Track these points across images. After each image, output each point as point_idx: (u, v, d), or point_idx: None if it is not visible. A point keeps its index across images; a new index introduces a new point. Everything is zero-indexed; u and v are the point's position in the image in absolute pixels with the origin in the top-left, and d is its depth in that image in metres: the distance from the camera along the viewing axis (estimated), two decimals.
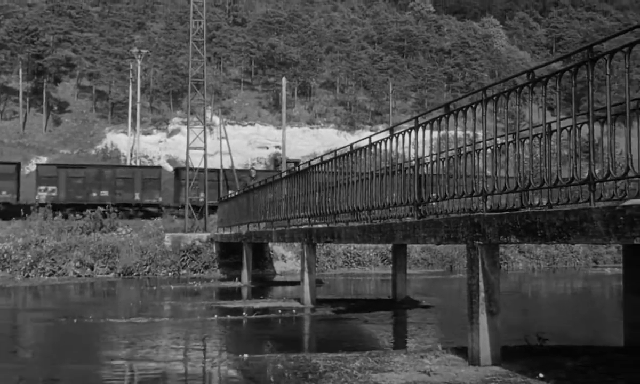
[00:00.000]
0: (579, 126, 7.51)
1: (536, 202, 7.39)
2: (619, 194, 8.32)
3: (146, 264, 26.66)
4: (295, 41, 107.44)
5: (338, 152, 13.35)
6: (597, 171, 6.32)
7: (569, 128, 8.10)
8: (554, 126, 8.16)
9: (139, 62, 61.15)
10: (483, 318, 7.60)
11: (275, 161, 44.41)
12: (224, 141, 44.69)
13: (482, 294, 7.62)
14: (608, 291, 22.14)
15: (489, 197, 8.04)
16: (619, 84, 36.87)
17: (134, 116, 62.21)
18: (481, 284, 7.63)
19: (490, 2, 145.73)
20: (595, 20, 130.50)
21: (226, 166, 44.08)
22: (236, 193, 26.70)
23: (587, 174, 6.29)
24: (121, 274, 25.89)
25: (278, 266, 28.27)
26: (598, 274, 28.80)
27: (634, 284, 8.86)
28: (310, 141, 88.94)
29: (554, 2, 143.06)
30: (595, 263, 33.61)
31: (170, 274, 26.52)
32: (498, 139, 8.08)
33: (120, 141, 79.52)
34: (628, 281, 9.05)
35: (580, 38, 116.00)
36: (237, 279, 23.77)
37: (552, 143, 7.75)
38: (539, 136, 7.70)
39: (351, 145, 12.43)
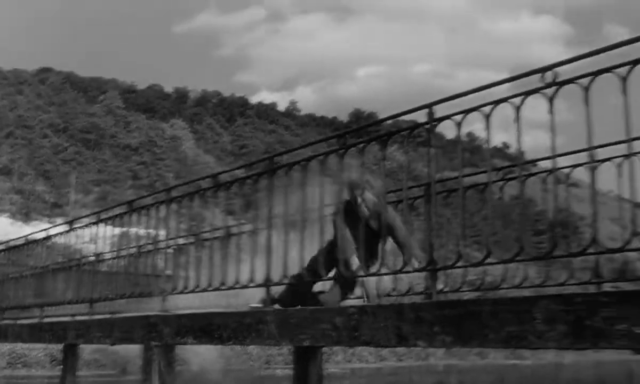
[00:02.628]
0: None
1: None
2: None
3: None
4: None
5: (11, 243, 12.52)
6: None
7: (249, 232, 8.40)
8: (234, 230, 8.42)
9: None
10: None
11: None
12: None
13: None
14: None
15: (168, 297, 7.97)
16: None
17: None
18: None
19: (180, 106, 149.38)
20: (277, 133, 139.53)
21: None
22: None
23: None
24: None
25: None
26: (270, 375, 29.77)
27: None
28: None
29: (240, 112, 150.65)
30: (267, 364, 34.65)
31: None
32: (180, 239, 8.13)
33: None
34: (296, 381, 9.43)
35: (263, 148, 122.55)
36: None
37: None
38: (220, 238, 7.88)
39: (26, 236, 11.75)
